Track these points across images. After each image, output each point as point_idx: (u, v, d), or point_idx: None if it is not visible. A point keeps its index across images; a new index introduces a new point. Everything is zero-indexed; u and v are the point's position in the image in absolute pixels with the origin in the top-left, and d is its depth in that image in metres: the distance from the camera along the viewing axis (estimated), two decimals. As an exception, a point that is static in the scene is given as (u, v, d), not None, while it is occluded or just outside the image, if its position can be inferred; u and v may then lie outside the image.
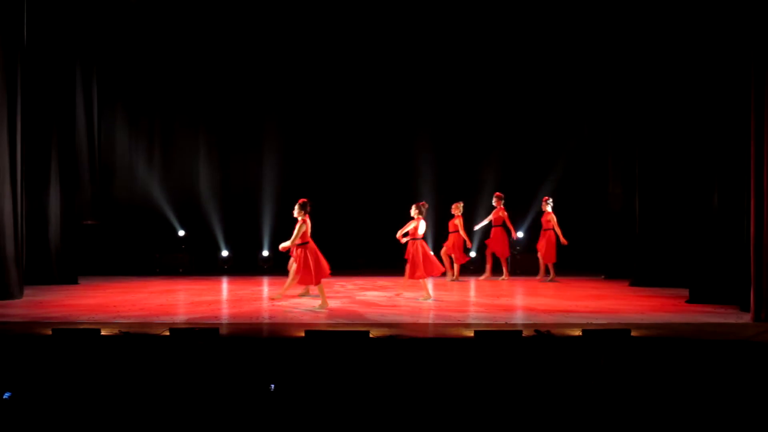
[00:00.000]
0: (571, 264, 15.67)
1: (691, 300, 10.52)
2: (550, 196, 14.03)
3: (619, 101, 14.38)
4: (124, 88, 15.63)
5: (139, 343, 7.18)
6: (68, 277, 12.94)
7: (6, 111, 10.63)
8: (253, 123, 16.27)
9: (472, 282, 13.59)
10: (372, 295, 11.37)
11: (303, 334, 7.20)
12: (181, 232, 15.77)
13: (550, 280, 13.60)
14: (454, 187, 15.96)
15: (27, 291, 11.14)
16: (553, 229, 13.58)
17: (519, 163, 16.34)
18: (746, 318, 8.96)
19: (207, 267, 15.64)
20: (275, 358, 6.91)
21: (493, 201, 13.94)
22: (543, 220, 13.77)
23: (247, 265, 15.64)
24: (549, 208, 13.73)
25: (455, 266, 13.70)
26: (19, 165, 10.96)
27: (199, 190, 16.05)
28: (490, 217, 13.96)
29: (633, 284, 12.79)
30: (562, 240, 13.56)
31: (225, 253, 15.85)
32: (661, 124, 12.60)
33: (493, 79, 16.07)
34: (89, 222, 14.84)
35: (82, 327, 7.79)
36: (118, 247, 15.34)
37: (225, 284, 12.72)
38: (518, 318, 9.16)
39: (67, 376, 6.62)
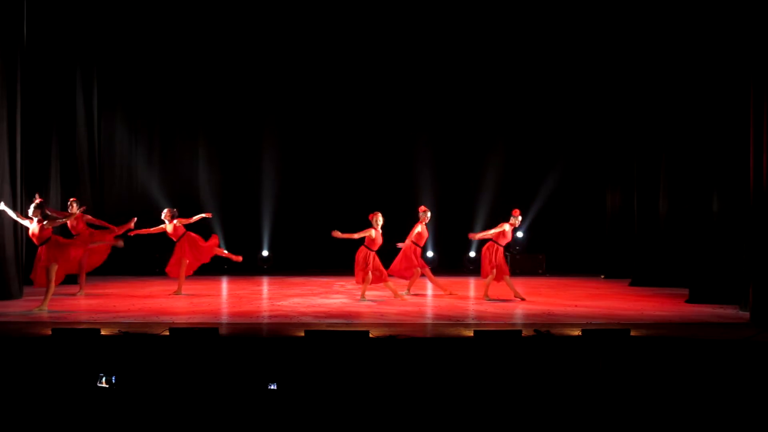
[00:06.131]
0: (571, 264, 15.67)
1: (691, 300, 10.52)
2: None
3: (618, 102, 14.37)
4: (124, 90, 15.59)
5: (138, 343, 7.18)
6: (67, 277, 12.88)
7: (6, 111, 10.63)
8: (253, 124, 16.23)
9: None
10: (371, 295, 11.34)
11: (303, 334, 7.21)
12: (181, 232, 15.72)
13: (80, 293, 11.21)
14: (454, 189, 15.96)
15: (26, 291, 11.14)
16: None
17: (518, 165, 16.29)
18: (746, 318, 8.96)
19: (206, 267, 15.56)
20: (275, 357, 6.91)
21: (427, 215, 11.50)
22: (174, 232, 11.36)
23: (246, 265, 15.63)
24: (175, 221, 11.41)
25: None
26: (19, 165, 10.95)
27: (199, 191, 16.00)
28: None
29: (633, 284, 12.80)
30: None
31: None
32: (659, 124, 12.61)
33: (494, 81, 16.00)
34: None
35: (81, 327, 7.80)
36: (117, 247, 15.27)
37: (225, 284, 12.71)
38: (518, 318, 9.16)
39: (67, 376, 6.62)
